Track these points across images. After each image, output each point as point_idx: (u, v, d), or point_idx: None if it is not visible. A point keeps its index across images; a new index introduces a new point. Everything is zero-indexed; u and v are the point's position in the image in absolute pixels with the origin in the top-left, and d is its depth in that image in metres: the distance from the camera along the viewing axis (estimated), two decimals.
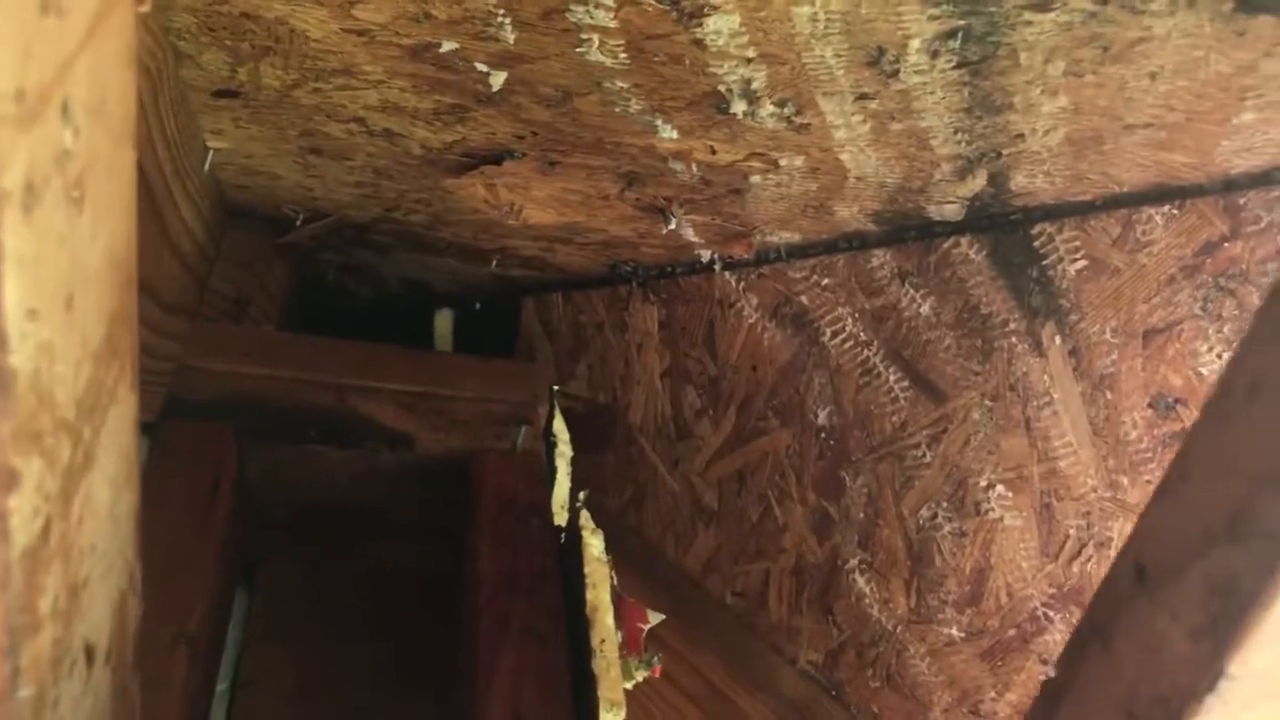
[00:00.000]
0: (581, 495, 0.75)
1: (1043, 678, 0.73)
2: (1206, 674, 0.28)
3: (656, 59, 0.57)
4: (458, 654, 0.68)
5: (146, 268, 0.66)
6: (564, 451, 0.82)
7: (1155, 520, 0.32)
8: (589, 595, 0.66)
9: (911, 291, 0.78)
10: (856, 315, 0.82)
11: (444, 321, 1.14)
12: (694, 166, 0.71)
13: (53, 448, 0.25)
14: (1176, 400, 0.70)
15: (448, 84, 0.63)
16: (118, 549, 0.32)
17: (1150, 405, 0.72)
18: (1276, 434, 0.27)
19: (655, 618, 0.75)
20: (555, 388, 0.86)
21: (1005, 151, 0.64)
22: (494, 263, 0.97)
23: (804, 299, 0.84)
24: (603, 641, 0.63)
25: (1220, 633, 0.28)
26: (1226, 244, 0.66)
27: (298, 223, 0.91)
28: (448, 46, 0.59)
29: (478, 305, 1.13)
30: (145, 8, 0.27)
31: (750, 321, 0.89)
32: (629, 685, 0.77)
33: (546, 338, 1.07)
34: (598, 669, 0.62)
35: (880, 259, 0.79)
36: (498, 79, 0.62)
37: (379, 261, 1.07)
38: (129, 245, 0.30)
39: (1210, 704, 0.29)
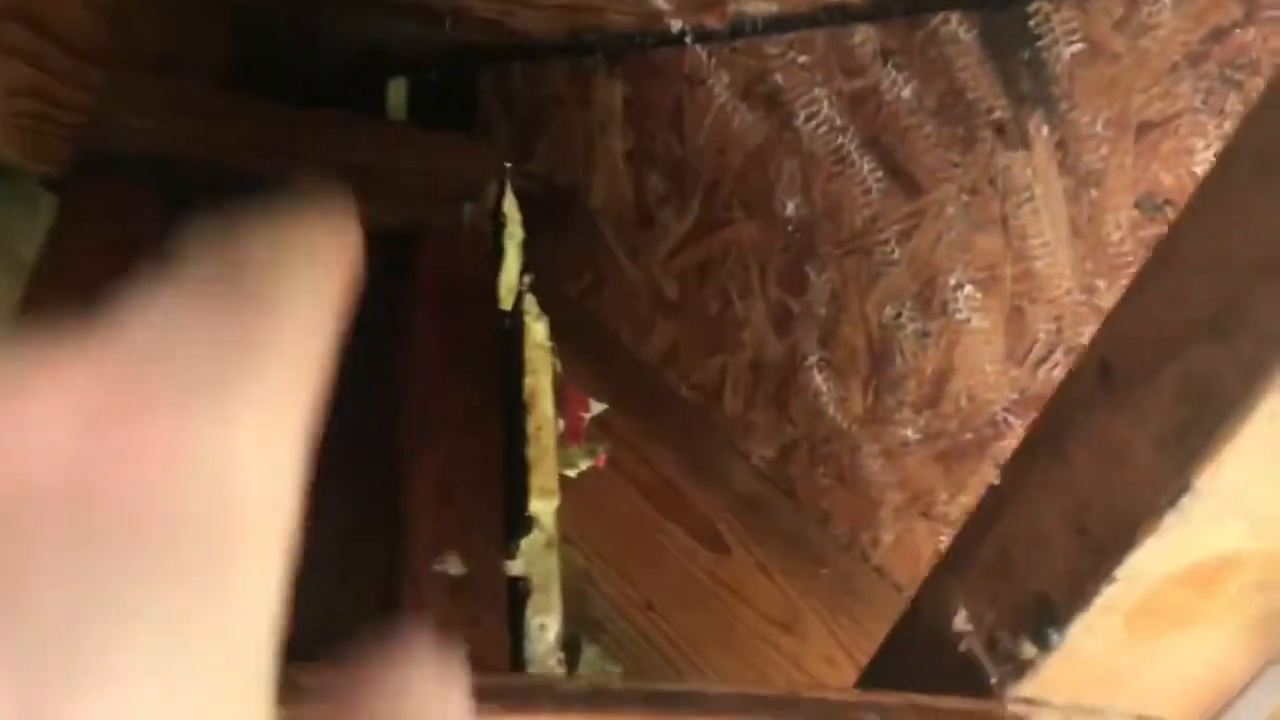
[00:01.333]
0: (526, 279, 0.71)
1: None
2: (1169, 488, 0.25)
3: None
4: (389, 437, 0.65)
5: (51, 6, 0.60)
6: (514, 233, 0.77)
7: (1128, 314, 0.28)
8: (528, 381, 0.63)
9: (894, 73, 0.72)
10: (834, 97, 0.76)
11: (397, 91, 1.07)
12: None
13: None
14: (1165, 201, 0.66)
15: None
16: None
17: (1137, 205, 0.67)
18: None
19: (598, 407, 0.72)
20: (508, 165, 0.80)
21: None
22: (448, 24, 0.89)
23: (779, 78, 0.78)
24: (539, 428, 0.61)
25: (1190, 442, 0.24)
26: (1238, 30, 0.60)
27: None
28: None
29: (434, 76, 1.06)
30: None
31: (720, 101, 0.83)
32: (571, 473, 0.75)
33: (505, 115, 1.01)
34: (531, 456, 0.59)
35: (863, 35, 0.73)
36: None
37: (330, 23, 0.99)
38: None
39: (1170, 521, 0.25)
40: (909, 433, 0.82)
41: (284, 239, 0.24)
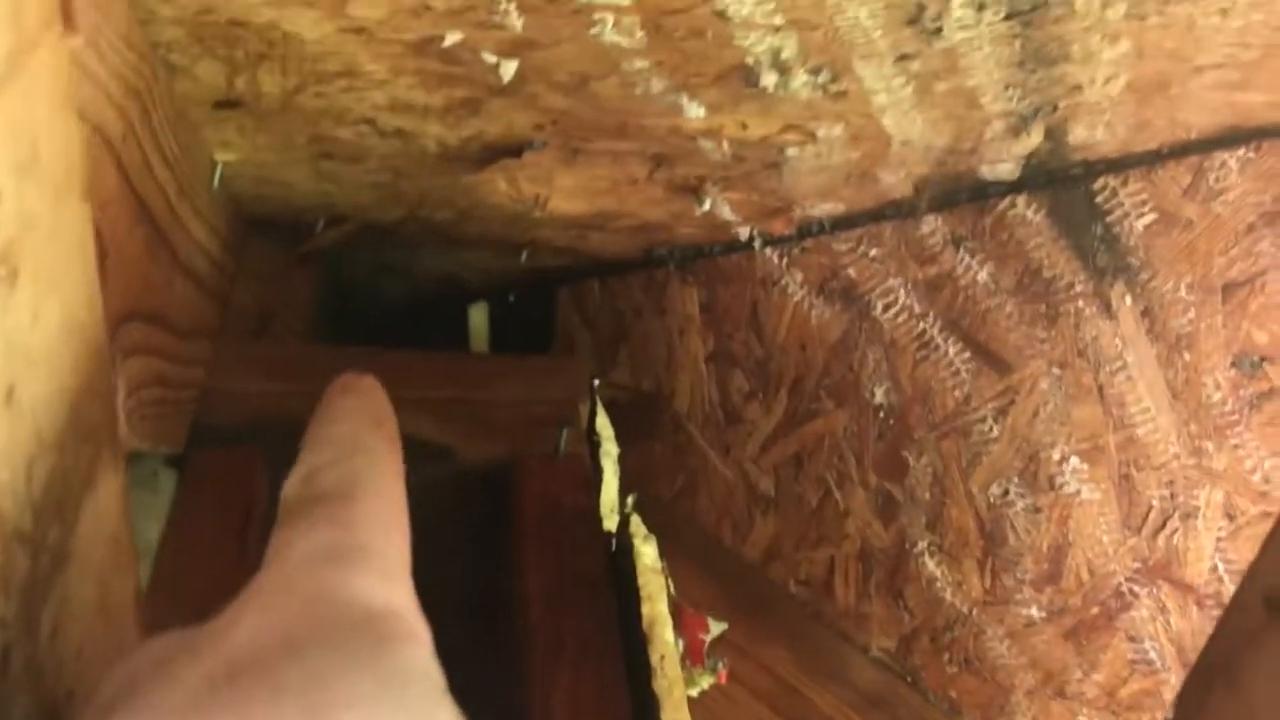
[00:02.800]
0: (630, 499, 0.71)
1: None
2: None
3: (676, 34, 0.53)
4: (508, 674, 0.65)
5: (156, 297, 0.63)
6: (609, 450, 0.78)
7: None
8: (645, 609, 0.62)
9: (967, 258, 0.73)
10: (909, 286, 0.77)
11: (479, 315, 1.11)
12: (725, 144, 0.66)
13: (2, 566, 0.21)
14: (1263, 358, 0.65)
15: (457, 78, 0.59)
16: (114, 645, 0.28)
17: (1234, 364, 0.66)
18: None
19: (717, 627, 0.71)
20: (596, 381, 0.82)
21: (1062, 104, 0.58)
22: (524, 255, 0.93)
23: (851, 272, 0.80)
24: (663, 658, 0.60)
25: None
26: None
27: (318, 229, 0.88)
28: (452, 39, 0.55)
29: (512, 297, 1.09)
30: (76, 42, 0.23)
31: (796, 299, 0.84)
32: (693, 693, 0.73)
33: (585, 327, 1.03)
34: (659, 689, 0.58)
35: (931, 225, 0.74)
36: (509, 69, 0.57)
37: (410, 259, 1.03)
38: (91, 309, 0.26)
39: None
40: (1033, 611, 0.80)
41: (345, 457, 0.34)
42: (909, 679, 0.88)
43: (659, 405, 1.00)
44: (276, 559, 0.27)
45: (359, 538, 0.29)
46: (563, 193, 0.73)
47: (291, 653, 0.23)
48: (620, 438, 0.85)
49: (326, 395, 0.39)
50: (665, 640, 0.61)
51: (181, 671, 0.22)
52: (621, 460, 0.80)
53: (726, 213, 0.79)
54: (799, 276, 0.83)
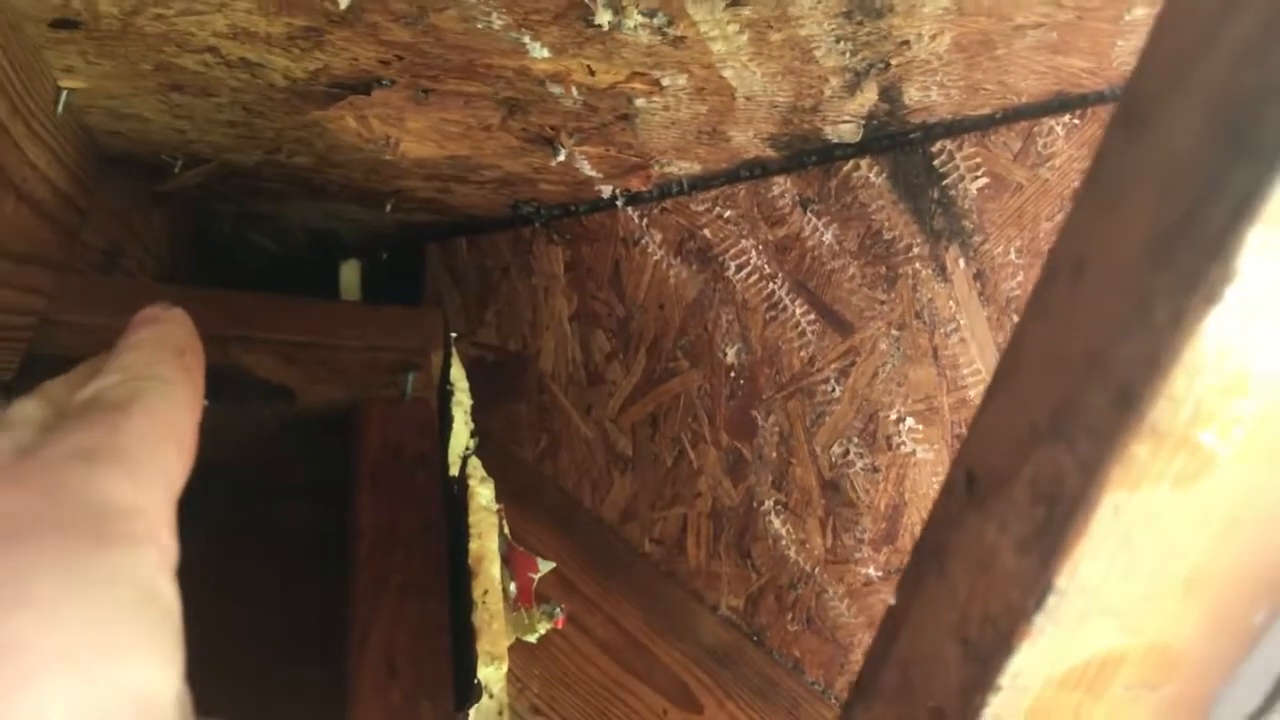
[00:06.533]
0: (471, 443, 0.71)
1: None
2: (1035, 589, 0.25)
3: None
4: (339, 613, 0.64)
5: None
6: (461, 400, 0.78)
7: (986, 421, 0.28)
8: (473, 545, 0.62)
9: (814, 219, 0.75)
10: (760, 247, 0.78)
11: (350, 272, 1.10)
12: (574, 90, 0.67)
13: None
14: None
15: (295, 3, 0.59)
16: None
17: None
18: (1101, 316, 0.24)
19: (545, 566, 0.71)
20: (456, 335, 0.82)
21: (893, 61, 0.60)
22: (389, 206, 0.92)
23: (707, 233, 0.81)
24: (485, 593, 0.60)
25: (1046, 542, 0.25)
26: None
27: (177, 169, 0.86)
28: None
29: (384, 254, 1.09)
30: None
31: (655, 259, 0.85)
32: (532, 638, 0.74)
33: (453, 285, 1.03)
34: (478, 621, 0.59)
35: (781, 186, 0.75)
36: None
37: (277, 210, 1.02)
38: None
39: (1040, 623, 0.25)
40: (871, 571, 0.82)
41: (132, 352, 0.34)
42: (755, 638, 0.89)
43: (525, 365, 1.00)
44: (32, 451, 0.26)
45: (121, 442, 0.28)
46: (414, 135, 0.72)
47: None
48: (486, 398, 0.84)
49: (131, 323, 0.39)
50: (490, 576, 0.61)
51: None
52: (486, 420, 0.80)
53: (586, 168, 0.80)
54: (658, 236, 0.84)
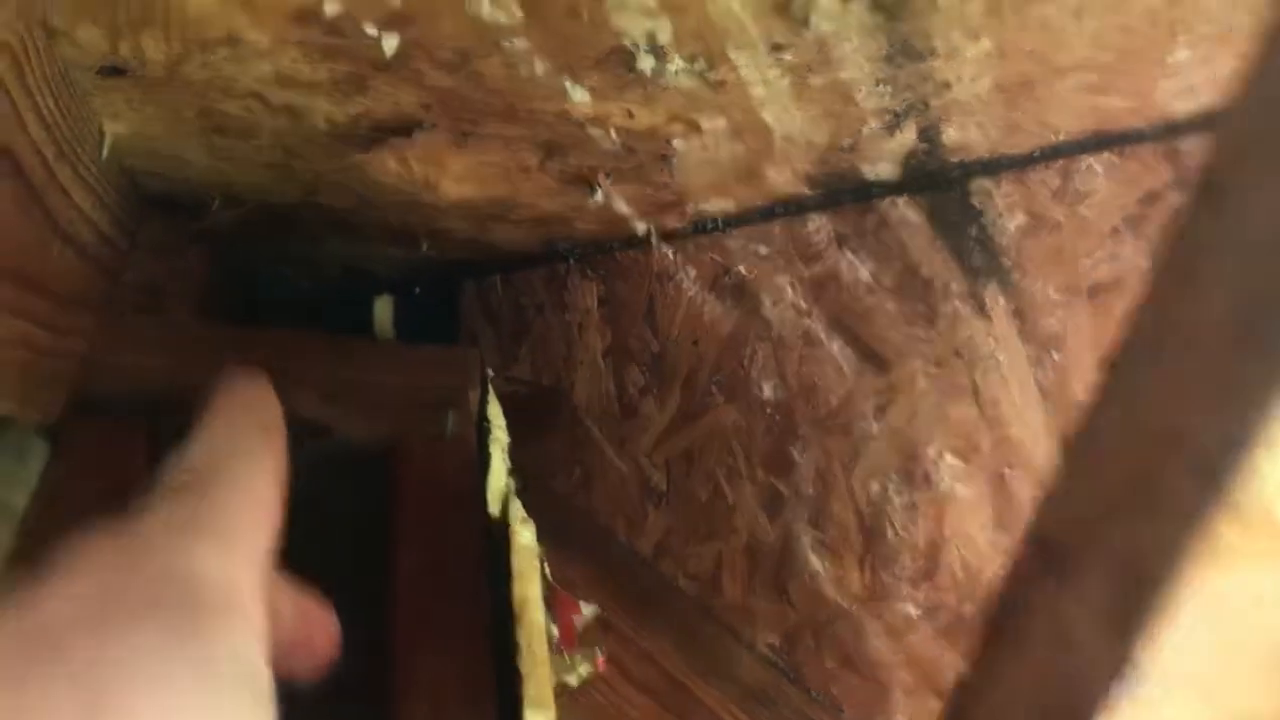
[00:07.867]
0: (510, 482, 0.71)
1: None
2: (1115, 664, 0.25)
3: (553, 13, 0.54)
4: (379, 654, 0.64)
5: (31, 260, 0.62)
6: (499, 437, 0.78)
7: (1063, 490, 0.28)
8: (515, 589, 0.62)
9: (850, 256, 0.75)
10: (796, 283, 0.78)
11: (384, 308, 1.10)
12: (613, 132, 0.67)
13: None
14: None
15: (340, 50, 0.59)
16: None
17: (1100, 365, 0.68)
18: (1181, 392, 0.24)
19: (588, 609, 0.71)
20: (491, 372, 0.82)
21: (933, 102, 0.60)
22: (425, 245, 0.93)
23: (742, 269, 0.81)
24: (529, 637, 0.60)
25: (1128, 617, 0.25)
26: (1170, 192, 0.62)
27: (214, 208, 0.87)
28: (331, 8, 0.55)
29: (417, 290, 1.09)
30: None
31: (690, 294, 0.85)
32: (573, 681, 0.73)
33: (488, 322, 1.03)
34: (523, 667, 0.58)
35: (816, 224, 0.76)
36: (390, 43, 0.58)
37: (313, 250, 1.03)
38: None
39: (1120, 697, 0.25)
40: (909, 609, 0.81)
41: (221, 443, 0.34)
42: (792, 676, 0.89)
43: (559, 400, 1.00)
44: (128, 522, 0.27)
45: (215, 515, 0.29)
46: (453, 176, 0.73)
47: (97, 629, 0.22)
48: (520, 432, 0.84)
49: (217, 394, 0.39)
50: (534, 620, 0.61)
51: None
52: (521, 455, 0.80)
53: (622, 207, 0.80)
54: (693, 272, 0.84)
